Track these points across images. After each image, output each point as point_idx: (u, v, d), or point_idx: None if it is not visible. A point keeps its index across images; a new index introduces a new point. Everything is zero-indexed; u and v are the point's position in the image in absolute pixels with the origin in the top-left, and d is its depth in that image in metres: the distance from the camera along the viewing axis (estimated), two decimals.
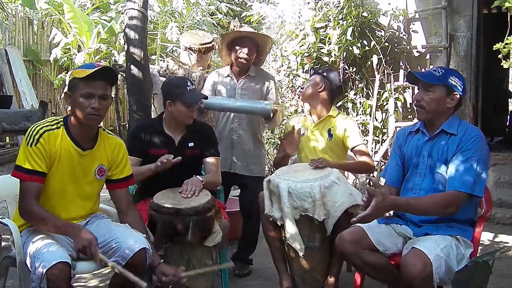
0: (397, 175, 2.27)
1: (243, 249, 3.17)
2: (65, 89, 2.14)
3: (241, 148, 3.09)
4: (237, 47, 3.01)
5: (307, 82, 2.94)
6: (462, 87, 2.11)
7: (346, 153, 2.94)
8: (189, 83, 2.58)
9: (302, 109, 5.11)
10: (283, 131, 3.13)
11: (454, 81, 2.09)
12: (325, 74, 2.89)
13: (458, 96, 2.10)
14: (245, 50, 2.98)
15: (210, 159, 2.65)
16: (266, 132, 5.95)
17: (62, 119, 2.11)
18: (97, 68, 1.99)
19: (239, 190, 3.30)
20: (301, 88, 3.02)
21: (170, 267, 2.16)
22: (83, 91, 1.99)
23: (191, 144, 2.63)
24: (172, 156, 2.44)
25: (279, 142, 3.11)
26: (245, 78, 3.09)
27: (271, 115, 2.90)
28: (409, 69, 4.99)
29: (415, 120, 2.25)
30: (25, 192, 1.99)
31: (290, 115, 5.29)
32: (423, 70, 5.03)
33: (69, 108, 2.13)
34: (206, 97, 2.73)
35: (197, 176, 2.50)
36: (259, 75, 3.14)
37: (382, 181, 2.38)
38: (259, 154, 3.18)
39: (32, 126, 2.05)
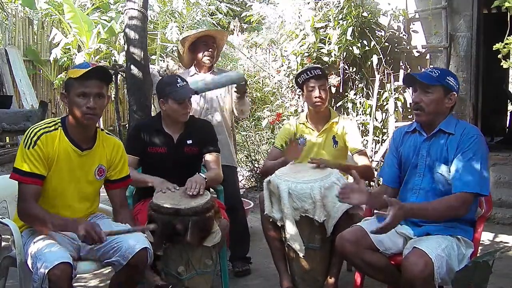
0: (393, 175, 2.27)
1: (238, 248, 3.14)
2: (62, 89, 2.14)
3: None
4: (200, 48, 3.12)
5: (314, 83, 2.79)
6: (457, 86, 2.12)
7: (347, 157, 2.94)
8: (179, 80, 2.59)
9: (302, 109, 5.11)
10: (276, 136, 3.06)
11: (451, 81, 2.10)
12: (325, 73, 2.86)
13: (455, 95, 2.11)
14: (209, 51, 3.11)
15: (210, 156, 2.66)
16: (266, 132, 5.95)
17: (59, 120, 2.11)
18: (90, 68, 1.99)
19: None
20: (301, 92, 2.88)
21: (152, 274, 2.18)
22: (78, 91, 2.00)
23: (189, 142, 2.63)
24: (178, 188, 2.44)
25: (271, 147, 3.05)
26: (212, 74, 3.15)
27: (244, 80, 2.99)
28: (409, 69, 4.99)
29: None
30: (23, 194, 1.99)
31: (290, 115, 5.29)
32: (423, 70, 5.03)
33: None
34: (196, 92, 2.72)
35: (200, 174, 2.51)
36: (222, 72, 3.23)
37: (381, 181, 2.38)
38: (232, 144, 3.26)
39: (30, 128, 2.05)
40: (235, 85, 3.07)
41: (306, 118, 2.93)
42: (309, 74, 2.80)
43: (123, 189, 2.31)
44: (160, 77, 4.40)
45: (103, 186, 2.29)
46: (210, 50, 3.11)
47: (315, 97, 2.78)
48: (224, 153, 3.10)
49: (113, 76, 5.65)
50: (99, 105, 2.04)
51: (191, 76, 3.16)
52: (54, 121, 2.11)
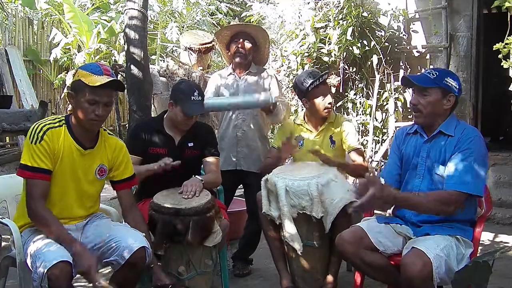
0: (395, 174, 2.27)
1: (244, 248, 3.17)
2: (68, 88, 2.13)
3: (246, 144, 3.08)
4: (232, 44, 3.07)
5: (323, 90, 2.76)
6: (457, 87, 2.10)
7: (345, 156, 2.94)
8: (196, 93, 2.53)
9: (302, 108, 5.11)
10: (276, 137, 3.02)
11: (450, 82, 2.07)
12: (326, 77, 2.85)
13: (454, 97, 2.09)
14: (239, 44, 3.02)
15: (210, 159, 2.65)
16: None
17: (63, 118, 2.11)
18: (108, 80, 1.97)
19: (243, 190, 3.29)
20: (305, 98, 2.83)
21: (162, 273, 2.18)
22: (89, 97, 1.98)
23: (190, 144, 2.63)
24: (171, 159, 2.43)
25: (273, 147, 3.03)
26: (246, 75, 3.10)
27: (271, 106, 2.87)
28: (409, 69, 5.00)
29: None
30: (32, 192, 1.97)
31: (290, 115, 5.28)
32: (423, 70, 5.02)
33: (70, 108, 2.13)
34: (204, 113, 2.68)
35: (197, 176, 2.50)
36: (260, 71, 3.16)
37: (382, 181, 2.37)
38: (264, 151, 3.15)
39: (35, 124, 2.04)
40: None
41: (304, 119, 2.92)
42: (320, 80, 2.73)
43: (129, 190, 2.29)
44: (161, 77, 4.39)
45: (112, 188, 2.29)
46: (240, 47, 3.03)
47: (329, 103, 2.75)
48: (253, 161, 3.08)
49: None
50: (107, 112, 2.04)
51: (227, 76, 3.13)
52: (58, 118, 2.11)
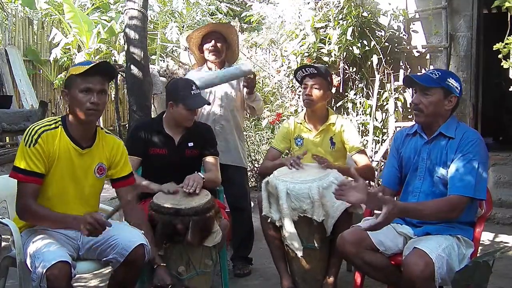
0: (393, 177, 2.27)
1: (241, 247, 3.15)
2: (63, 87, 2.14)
3: (224, 138, 3.09)
4: (205, 45, 3.09)
5: (309, 83, 2.79)
6: (459, 88, 2.10)
7: (346, 158, 2.93)
8: (194, 87, 2.58)
9: (302, 108, 5.11)
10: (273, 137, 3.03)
11: (452, 83, 2.08)
12: (326, 73, 2.84)
13: (455, 98, 2.09)
14: (212, 42, 3.05)
15: (209, 158, 2.65)
16: (266, 132, 5.95)
17: (60, 119, 2.11)
18: (94, 64, 1.99)
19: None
20: (301, 91, 2.84)
21: (166, 274, 2.19)
22: (81, 86, 1.99)
23: (190, 144, 2.63)
24: (178, 188, 2.43)
25: (269, 148, 3.03)
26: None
27: (252, 76, 2.94)
28: (409, 69, 4.99)
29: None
30: (22, 192, 1.99)
31: (290, 115, 5.28)
32: (423, 70, 5.03)
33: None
34: (208, 103, 2.73)
35: (198, 173, 2.51)
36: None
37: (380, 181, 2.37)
38: (242, 145, 3.21)
39: (31, 126, 2.05)
40: (243, 80, 3.01)
41: (304, 118, 2.92)
42: (304, 72, 2.81)
43: (128, 188, 2.28)
44: (161, 77, 4.40)
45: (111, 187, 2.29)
46: (213, 46, 3.05)
47: (305, 95, 2.78)
48: (232, 154, 3.10)
49: None
50: (102, 101, 2.04)
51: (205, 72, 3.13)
52: (55, 119, 2.11)
